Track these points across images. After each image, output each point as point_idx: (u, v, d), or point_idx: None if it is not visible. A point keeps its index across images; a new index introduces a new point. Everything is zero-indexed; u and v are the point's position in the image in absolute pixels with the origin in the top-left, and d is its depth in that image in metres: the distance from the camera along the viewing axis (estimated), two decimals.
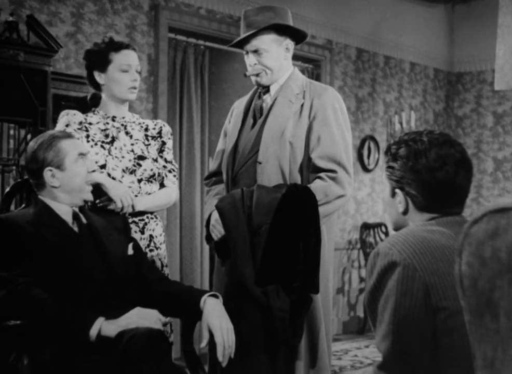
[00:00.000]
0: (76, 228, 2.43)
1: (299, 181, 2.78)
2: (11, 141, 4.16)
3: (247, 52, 2.86)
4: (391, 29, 7.11)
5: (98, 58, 2.88)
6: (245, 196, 2.69)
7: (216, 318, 2.31)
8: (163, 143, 2.99)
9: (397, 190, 1.89)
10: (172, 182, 2.97)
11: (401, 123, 7.09)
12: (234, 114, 3.01)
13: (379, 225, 6.84)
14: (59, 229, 2.39)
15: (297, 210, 2.61)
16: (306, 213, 2.62)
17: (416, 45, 7.44)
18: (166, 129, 3.03)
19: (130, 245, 2.54)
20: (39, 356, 2.21)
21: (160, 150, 2.98)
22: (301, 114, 2.81)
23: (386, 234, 6.83)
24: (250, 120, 2.93)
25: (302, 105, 2.82)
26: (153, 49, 5.16)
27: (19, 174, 4.05)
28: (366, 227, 6.78)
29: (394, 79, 7.26)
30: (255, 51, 2.83)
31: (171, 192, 2.96)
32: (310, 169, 2.79)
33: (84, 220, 2.47)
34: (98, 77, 2.89)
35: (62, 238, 2.37)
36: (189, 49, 5.51)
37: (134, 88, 2.90)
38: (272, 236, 2.59)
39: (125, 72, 2.87)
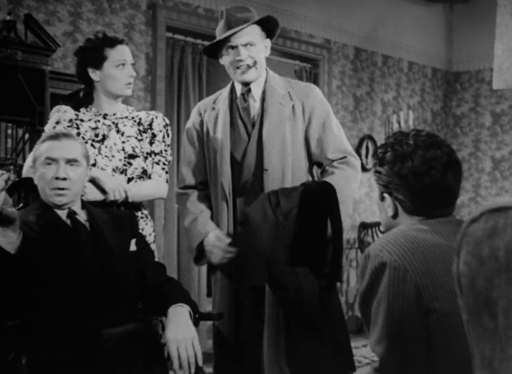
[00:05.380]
0: (70, 225, 2.43)
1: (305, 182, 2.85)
2: (9, 140, 4.16)
3: (232, 48, 2.84)
4: (389, 28, 7.10)
5: (93, 55, 2.85)
6: (270, 193, 2.71)
7: (170, 330, 2.24)
8: (153, 135, 2.93)
9: (385, 195, 1.89)
10: (157, 174, 2.91)
11: (399, 123, 7.09)
12: (211, 117, 2.92)
13: (377, 224, 6.83)
14: (55, 228, 2.39)
15: (320, 197, 2.70)
16: (329, 201, 2.70)
17: (414, 45, 7.44)
18: (158, 120, 2.96)
19: (133, 241, 2.52)
20: (38, 356, 2.21)
21: (150, 143, 2.93)
22: (295, 116, 2.85)
23: (384, 233, 6.81)
24: (239, 127, 2.89)
25: (293, 107, 2.85)
26: (151, 48, 5.15)
27: (17, 174, 4.04)
28: (364, 226, 6.78)
29: (393, 78, 7.25)
30: (246, 45, 2.83)
31: (158, 184, 2.91)
32: (323, 162, 2.88)
33: (84, 217, 2.47)
34: (93, 73, 2.87)
35: (57, 236, 2.36)
36: (187, 48, 5.51)
37: (130, 83, 2.89)
38: (302, 219, 2.63)
39: (121, 68, 2.86)
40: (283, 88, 2.90)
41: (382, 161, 1.86)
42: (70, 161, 2.43)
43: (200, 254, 2.86)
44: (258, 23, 2.85)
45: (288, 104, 2.85)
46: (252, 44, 2.83)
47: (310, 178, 2.91)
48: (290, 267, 2.63)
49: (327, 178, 2.80)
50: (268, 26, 2.89)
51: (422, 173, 1.80)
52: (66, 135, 2.48)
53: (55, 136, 2.45)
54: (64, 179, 2.40)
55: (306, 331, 2.67)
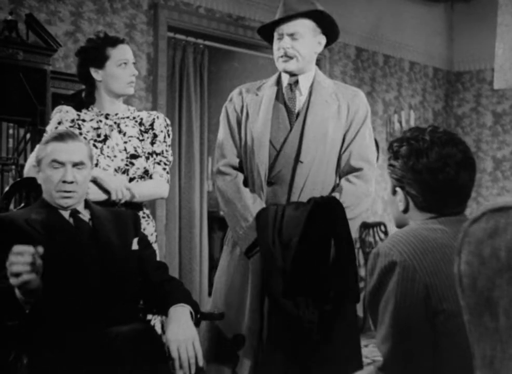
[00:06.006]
0: (73, 224, 2.43)
1: (334, 180, 2.89)
2: (10, 140, 4.16)
3: (280, 36, 2.84)
4: (390, 28, 7.10)
5: (95, 54, 2.86)
6: (278, 211, 2.73)
7: (170, 330, 2.25)
8: (155, 135, 2.95)
9: (398, 189, 1.89)
10: (159, 174, 2.93)
11: (400, 122, 7.09)
12: (253, 102, 2.91)
13: (378, 224, 6.83)
14: (58, 227, 2.39)
15: (325, 220, 2.68)
16: (335, 222, 2.70)
17: (416, 45, 7.43)
18: (160, 121, 2.98)
19: (135, 241, 2.53)
20: (39, 356, 2.21)
21: (151, 143, 2.94)
22: (339, 116, 2.87)
23: (385, 233, 6.82)
24: (282, 116, 2.88)
25: (338, 107, 2.87)
26: (153, 48, 5.15)
27: (19, 174, 4.05)
28: (365, 226, 6.77)
29: (394, 78, 7.25)
30: (291, 35, 2.82)
31: (159, 184, 2.92)
32: (341, 166, 2.90)
33: (87, 216, 2.47)
34: (95, 73, 2.88)
35: (59, 235, 2.36)
36: (188, 48, 5.51)
37: (132, 82, 2.90)
38: (301, 248, 2.64)
39: (123, 67, 2.87)
40: (331, 87, 2.91)
41: (397, 155, 1.86)
42: (77, 165, 2.43)
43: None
44: (311, 17, 2.81)
45: (335, 103, 2.86)
46: (299, 36, 2.81)
47: (337, 180, 2.93)
48: (288, 299, 2.64)
49: (338, 195, 2.81)
50: (324, 22, 2.84)
51: (436, 170, 1.80)
52: (71, 136, 2.47)
53: (60, 138, 2.45)
54: (71, 182, 2.40)
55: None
